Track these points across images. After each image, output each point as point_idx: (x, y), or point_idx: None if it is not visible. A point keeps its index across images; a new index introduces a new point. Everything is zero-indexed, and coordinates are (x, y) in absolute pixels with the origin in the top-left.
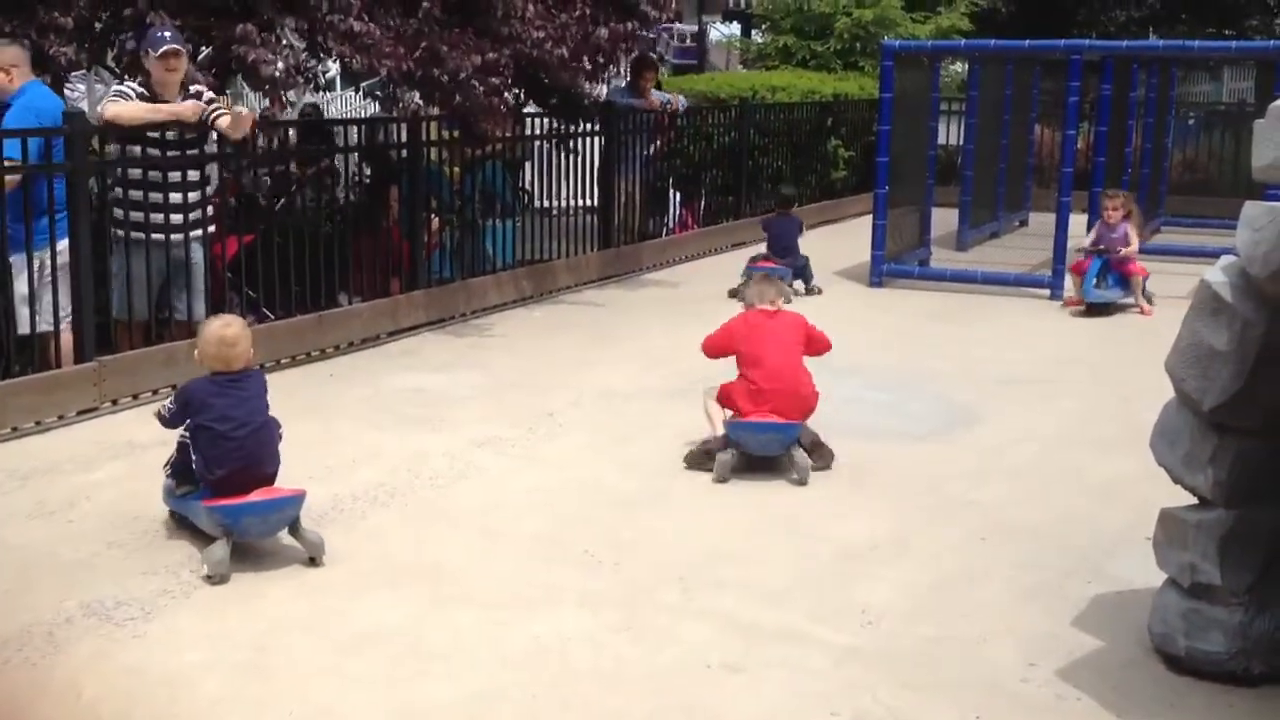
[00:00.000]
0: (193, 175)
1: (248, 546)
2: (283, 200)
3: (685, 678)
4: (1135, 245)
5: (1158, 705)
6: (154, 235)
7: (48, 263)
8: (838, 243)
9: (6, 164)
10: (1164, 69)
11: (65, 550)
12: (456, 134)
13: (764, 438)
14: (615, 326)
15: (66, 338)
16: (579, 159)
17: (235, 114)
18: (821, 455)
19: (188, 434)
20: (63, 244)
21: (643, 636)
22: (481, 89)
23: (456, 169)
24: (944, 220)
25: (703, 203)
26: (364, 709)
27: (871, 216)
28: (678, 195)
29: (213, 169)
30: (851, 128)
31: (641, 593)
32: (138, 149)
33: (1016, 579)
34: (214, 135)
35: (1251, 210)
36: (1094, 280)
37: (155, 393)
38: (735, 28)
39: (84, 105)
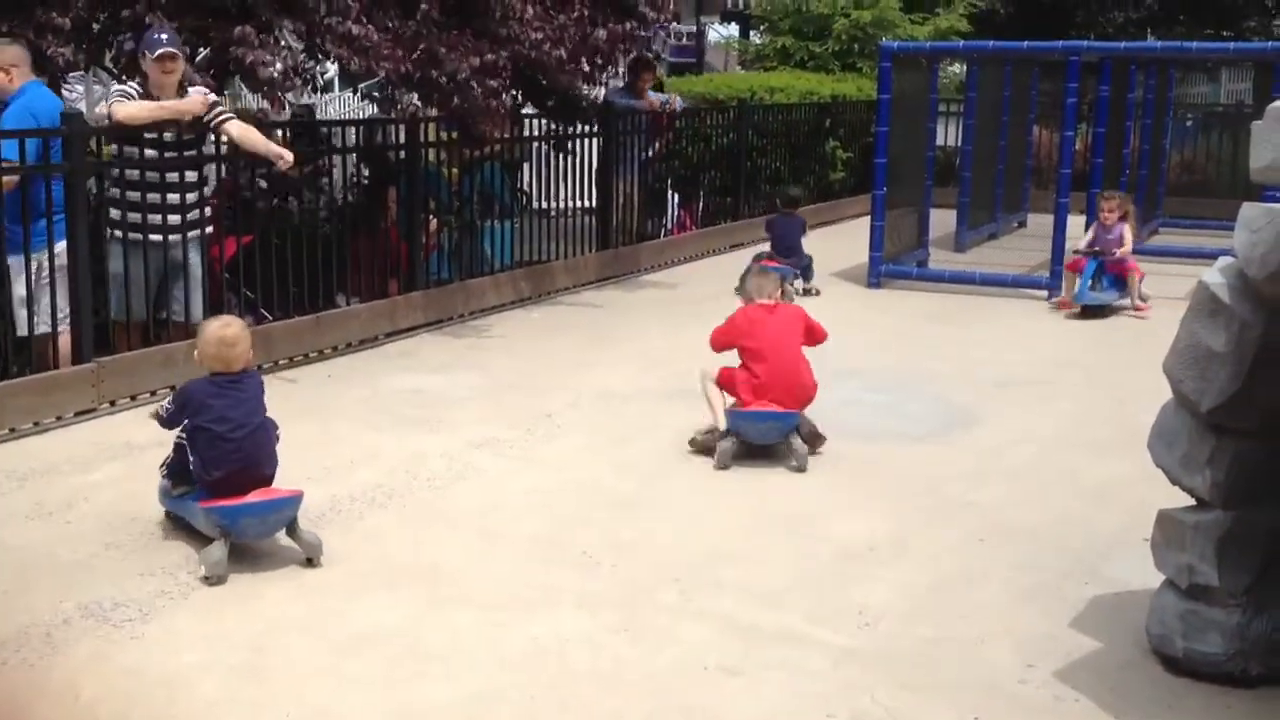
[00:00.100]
0: (190, 176)
1: (245, 547)
2: (274, 202)
3: (683, 679)
4: (1129, 245)
5: (1155, 706)
6: (152, 236)
7: (45, 264)
8: (836, 244)
9: (4, 165)
10: (1162, 70)
11: (63, 551)
12: (455, 135)
13: (764, 426)
14: (613, 328)
15: (64, 339)
16: (577, 160)
17: (278, 156)
18: (816, 443)
19: (184, 435)
20: (60, 246)
21: (641, 637)
22: (480, 90)
23: (455, 170)
24: (942, 221)
25: (701, 204)
26: (362, 710)
27: (870, 217)
28: (676, 196)
29: (210, 170)
30: (850, 129)
31: (640, 594)
32: (136, 150)
33: (1014, 580)
34: (212, 136)
35: (1249, 212)
36: (1089, 282)
37: (153, 394)
38: (733, 29)
39: (81, 106)
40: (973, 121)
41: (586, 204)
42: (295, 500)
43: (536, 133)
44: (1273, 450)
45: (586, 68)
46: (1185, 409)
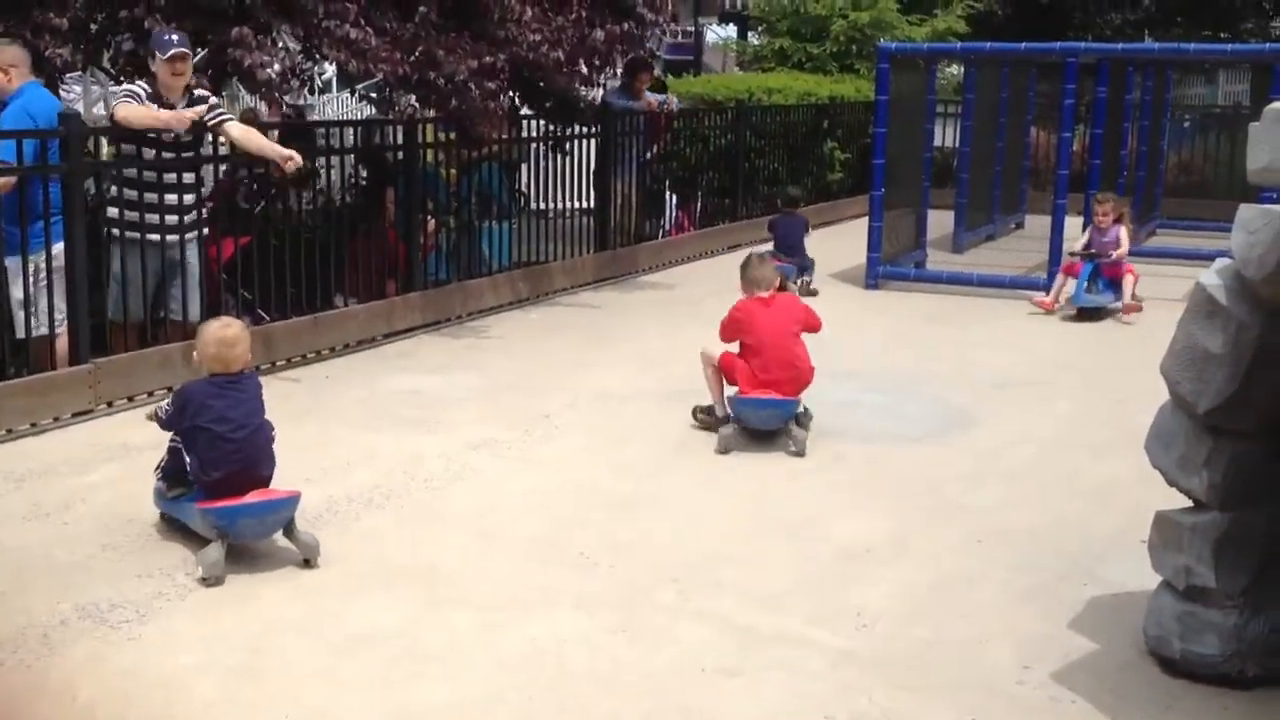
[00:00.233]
0: (188, 177)
1: (242, 548)
2: (262, 204)
3: (682, 679)
4: (1126, 248)
5: (1153, 708)
6: (149, 236)
7: (43, 266)
8: (834, 245)
9: (1, 166)
10: (1159, 72)
11: (60, 552)
12: (453, 136)
13: (764, 413)
14: (611, 328)
15: (61, 340)
16: (575, 161)
17: (285, 158)
18: (805, 420)
19: (178, 438)
20: (58, 247)
21: (639, 638)
22: (478, 92)
23: (453, 171)
24: (940, 222)
25: (699, 205)
26: (359, 711)
27: (867, 219)
28: (674, 197)
29: (207, 171)
30: (847, 130)
31: (638, 594)
32: (133, 150)
33: (1012, 581)
34: (209, 137)
35: (1246, 213)
36: (1084, 285)
37: (150, 395)
38: (731, 30)
39: (79, 107)
40: (970, 123)
41: (584, 205)
42: (293, 501)
43: (534, 134)
44: (1269, 451)
45: (585, 69)
46: (1182, 410)
